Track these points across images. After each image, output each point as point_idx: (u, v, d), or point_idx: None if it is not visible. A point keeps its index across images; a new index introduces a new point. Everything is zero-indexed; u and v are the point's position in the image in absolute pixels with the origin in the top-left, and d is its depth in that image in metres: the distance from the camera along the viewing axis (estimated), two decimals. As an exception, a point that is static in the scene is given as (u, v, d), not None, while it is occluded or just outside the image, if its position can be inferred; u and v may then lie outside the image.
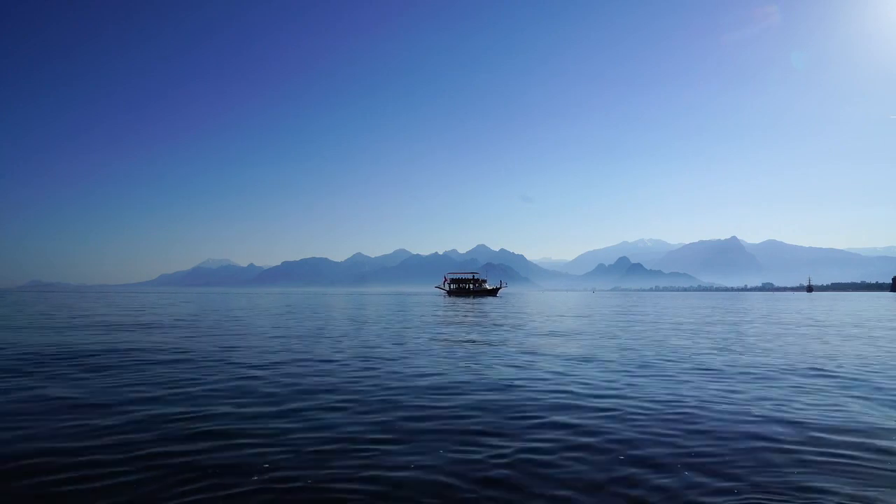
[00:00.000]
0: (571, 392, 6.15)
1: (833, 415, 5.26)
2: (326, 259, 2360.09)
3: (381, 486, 3.39)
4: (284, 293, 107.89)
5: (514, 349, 10.63)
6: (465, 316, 23.43)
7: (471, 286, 76.84)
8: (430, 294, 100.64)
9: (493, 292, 77.00)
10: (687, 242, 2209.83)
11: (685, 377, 7.36)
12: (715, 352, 10.43)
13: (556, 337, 13.38)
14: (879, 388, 6.65)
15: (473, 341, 12.11)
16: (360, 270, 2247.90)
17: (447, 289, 79.11)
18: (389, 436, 4.40)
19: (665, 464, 3.80)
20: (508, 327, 16.59)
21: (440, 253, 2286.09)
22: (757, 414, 5.13)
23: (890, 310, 34.57)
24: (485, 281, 77.62)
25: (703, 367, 8.37)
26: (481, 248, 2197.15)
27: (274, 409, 5.30)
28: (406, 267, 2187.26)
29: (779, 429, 4.64)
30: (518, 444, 4.16)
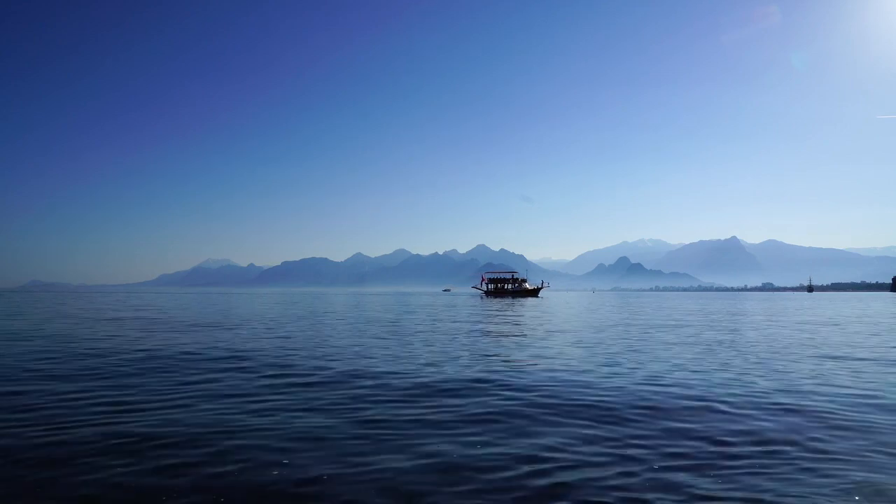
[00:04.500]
0: None
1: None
2: (326, 259, 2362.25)
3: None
4: (288, 293, 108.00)
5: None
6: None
7: (510, 286, 73.29)
8: (432, 294, 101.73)
9: (535, 292, 73.03)
10: (687, 242, 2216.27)
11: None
12: None
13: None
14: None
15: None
16: (360, 270, 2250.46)
17: (485, 289, 75.82)
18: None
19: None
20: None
21: (440, 253, 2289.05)
22: None
23: None
24: (524, 280, 73.69)
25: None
26: (481, 248, 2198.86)
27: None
28: (406, 267, 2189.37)
29: None
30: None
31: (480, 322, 20.06)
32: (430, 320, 21.06)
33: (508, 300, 52.72)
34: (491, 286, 75.22)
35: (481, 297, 63.32)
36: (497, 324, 19.08)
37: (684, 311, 30.66)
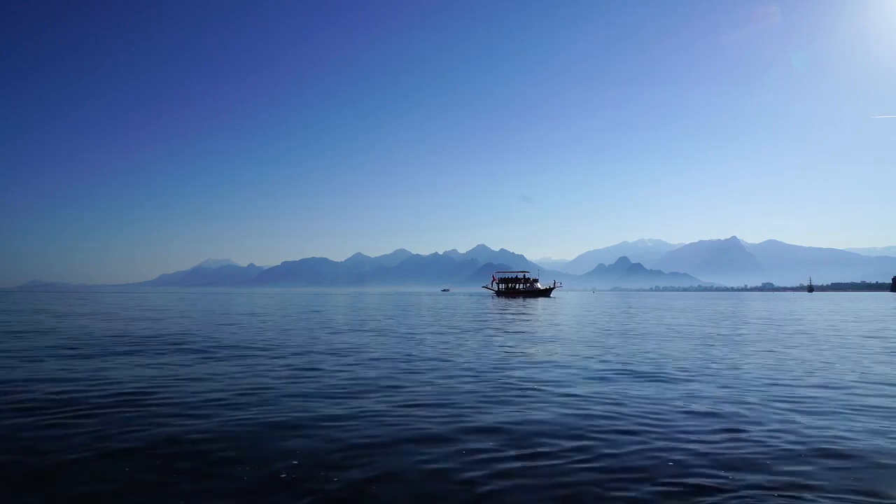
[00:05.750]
0: None
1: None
2: (326, 259, 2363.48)
3: None
4: (293, 293, 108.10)
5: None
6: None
7: (521, 286, 72.27)
8: (435, 294, 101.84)
9: (546, 292, 71.51)
10: (687, 242, 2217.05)
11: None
12: None
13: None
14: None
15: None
16: (360, 270, 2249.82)
17: (496, 289, 75.37)
18: None
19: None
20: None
21: (440, 253, 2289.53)
22: None
23: None
24: (536, 280, 72.71)
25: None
26: (481, 248, 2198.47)
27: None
28: (406, 267, 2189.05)
29: None
30: None
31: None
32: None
33: (521, 300, 51.08)
34: (502, 286, 74.48)
35: (492, 297, 62.12)
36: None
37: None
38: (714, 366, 8.79)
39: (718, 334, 15.07)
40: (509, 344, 12.12)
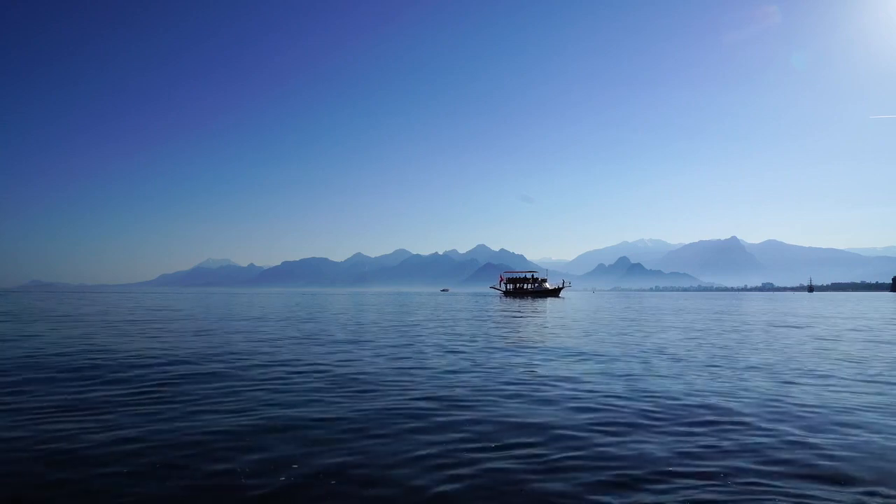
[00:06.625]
0: None
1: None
2: (326, 259, 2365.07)
3: None
4: (296, 293, 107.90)
5: None
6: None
7: (529, 286, 72.10)
8: (433, 294, 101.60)
9: (556, 292, 70.86)
10: (687, 242, 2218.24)
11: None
12: None
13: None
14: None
15: None
16: (360, 270, 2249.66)
17: (504, 289, 75.18)
18: None
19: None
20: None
21: (440, 253, 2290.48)
22: None
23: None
24: (545, 280, 72.56)
25: None
26: (481, 248, 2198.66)
27: None
28: (406, 267, 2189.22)
29: None
30: None
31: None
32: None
33: (530, 301, 50.31)
34: (510, 286, 74.39)
35: (500, 298, 62.02)
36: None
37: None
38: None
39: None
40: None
